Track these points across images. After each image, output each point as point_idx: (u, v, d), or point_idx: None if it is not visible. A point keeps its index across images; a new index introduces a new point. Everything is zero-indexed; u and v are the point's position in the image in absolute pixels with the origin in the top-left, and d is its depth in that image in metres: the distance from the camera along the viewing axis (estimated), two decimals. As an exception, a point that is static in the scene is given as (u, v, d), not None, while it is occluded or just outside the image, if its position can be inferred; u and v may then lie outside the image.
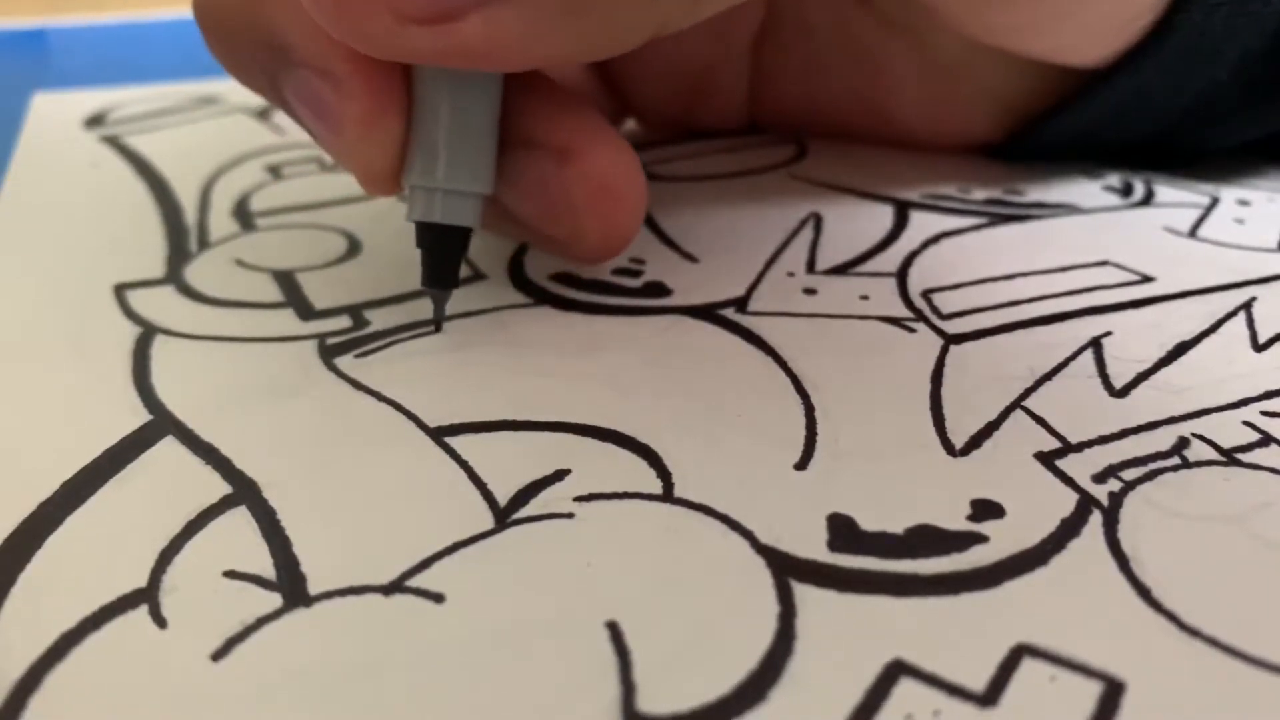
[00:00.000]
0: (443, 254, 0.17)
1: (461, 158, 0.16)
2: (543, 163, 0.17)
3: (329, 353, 0.18)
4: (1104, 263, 0.20)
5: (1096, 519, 0.14)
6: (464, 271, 0.20)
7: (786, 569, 0.13)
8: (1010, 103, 0.23)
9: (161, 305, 0.19)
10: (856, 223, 0.22)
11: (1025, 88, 0.23)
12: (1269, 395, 0.16)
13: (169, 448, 0.15)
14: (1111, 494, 0.14)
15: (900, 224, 0.22)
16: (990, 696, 0.11)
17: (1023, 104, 0.23)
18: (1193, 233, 0.22)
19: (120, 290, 0.20)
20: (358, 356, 0.17)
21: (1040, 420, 0.16)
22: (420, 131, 0.16)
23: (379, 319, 0.19)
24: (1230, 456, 0.15)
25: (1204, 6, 0.20)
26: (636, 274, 0.20)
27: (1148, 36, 0.20)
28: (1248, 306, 0.19)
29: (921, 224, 0.22)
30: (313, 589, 0.13)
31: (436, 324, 0.18)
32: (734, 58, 0.24)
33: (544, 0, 0.14)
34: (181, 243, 0.22)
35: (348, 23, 0.14)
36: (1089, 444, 0.15)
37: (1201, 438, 0.15)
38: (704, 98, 0.25)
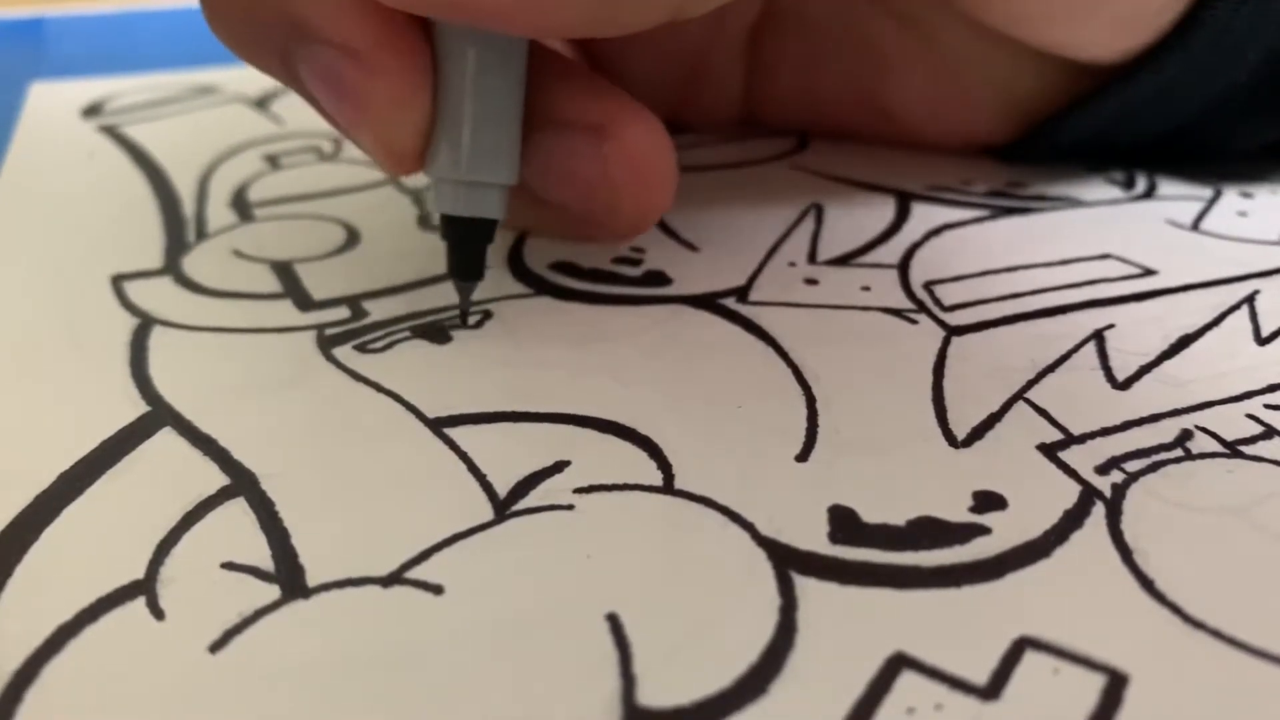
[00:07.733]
0: (469, 245, 0.17)
1: (487, 149, 0.16)
2: (575, 141, 0.17)
3: (328, 343, 0.17)
4: (1106, 256, 0.20)
5: (1099, 510, 0.14)
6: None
7: (788, 561, 0.13)
8: (1017, 101, 0.23)
9: (159, 296, 0.19)
10: (858, 214, 0.22)
11: (1033, 86, 0.22)
12: (1272, 388, 0.16)
13: (167, 439, 0.15)
14: (1114, 485, 0.14)
15: (902, 215, 0.22)
16: (993, 689, 0.11)
17: (1030, 103, 0.23)
18: (1195, 226, 0.22)
19: (118, 281, 0.20)
20: (356, 348, 0.17)
21: (1043, 412, 0.15)
22: (445, 122, 0.16)
23: (378, 309, 0.18)
24: (1233, 449, 0.15)
25: (1230, 2, 0.20)
26: (637, 263, 0.20)
27: (1172, 32, 0.20)
28: (1250, 300, 0.19)
29: (923, 216, 0.22)
30: (311, 581, 0.13)
31: (463, 314, 0.18)
32: (729, 47, 0.24)
33: None
34: (179, 233, 0.22)
35: None
36: (1092, 435, 0.15)
37: (1204, 430, 0.15)
38: (696, 90, 0.25)
